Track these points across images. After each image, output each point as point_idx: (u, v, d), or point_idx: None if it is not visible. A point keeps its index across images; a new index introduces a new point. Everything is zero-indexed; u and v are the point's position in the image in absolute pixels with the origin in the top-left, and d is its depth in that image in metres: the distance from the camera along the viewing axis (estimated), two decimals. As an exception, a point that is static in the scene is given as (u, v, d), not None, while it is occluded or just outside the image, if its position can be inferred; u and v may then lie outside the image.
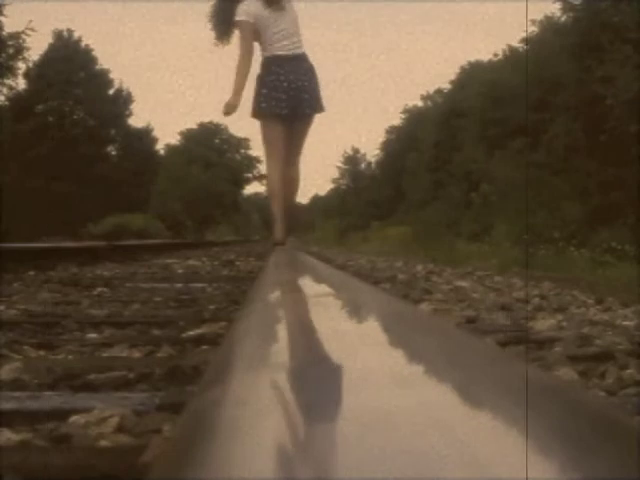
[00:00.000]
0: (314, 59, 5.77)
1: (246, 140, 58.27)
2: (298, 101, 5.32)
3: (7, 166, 27.91)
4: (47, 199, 33.70)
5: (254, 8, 5.27)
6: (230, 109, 5.47)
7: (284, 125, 5.38)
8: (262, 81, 5.40)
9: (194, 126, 59.06)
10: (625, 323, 2.93)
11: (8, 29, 26.61)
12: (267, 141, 5.51)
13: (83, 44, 41.63)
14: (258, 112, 5.46)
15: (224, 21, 5.50)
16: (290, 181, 5.60)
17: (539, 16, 21.62)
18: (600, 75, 13.63)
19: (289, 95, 5.27)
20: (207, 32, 5.56)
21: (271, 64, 5.35)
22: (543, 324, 2.75)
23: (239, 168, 58.47)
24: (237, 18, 5.31)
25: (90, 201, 35.00)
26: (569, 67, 16.23)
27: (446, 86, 34.73)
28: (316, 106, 5.47)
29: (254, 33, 5.33)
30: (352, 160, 56.88)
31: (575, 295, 4.37)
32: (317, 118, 5.65)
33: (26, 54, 27.81)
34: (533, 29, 22.31)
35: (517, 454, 0.44)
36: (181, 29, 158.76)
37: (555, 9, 17.96)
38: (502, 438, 0.47)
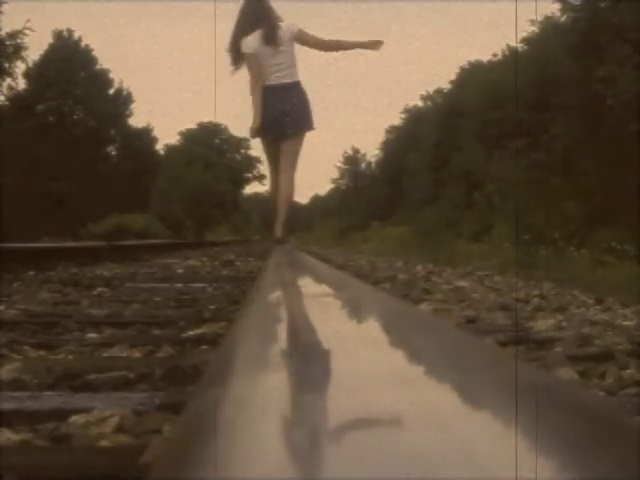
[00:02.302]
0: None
1: (246, 140, 58.21)
2: (280, 124, 6.06)
3: (7, 166, 27.89)
4: (47, 199, 33.69)
5: (255, 43, 6.06)
6: (254, 133, 6.31)
7: (271, 145, 6.25)
8: (256, 107, 6.22)
9: (194, 126, 59.06)
10: (625, 323, 2.92)
11: (7, 29, 26.61)
12: (265, 157, 6.47)
13: (83, 44, 41.66)
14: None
15: (237, 50, 6.26)
16: (285, 190, 6.29)
17: (539, 16, 21.58)
18: (600, 75, 13.62)
19: (271, 121, 6.04)
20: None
21: (265, 92, 6.11)
22: (543, 324, 2.75)
23: (239, 168, 58.37)
24: (243, 51, 6.12)
25: (90, 201, 34.99)
26: (569, 67, 16.23)
27: (446, 86, 34.72)
28: (302, 125, 6.20)
29: (258, 62, 6.16)
30: (352, 160, 56.87)
31: (575, 295, 4.37)
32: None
33: (24, 54, 27.77)
34: (533, 29, 22.31)
35: (517, 453, 0.44)
36: (181, 29, 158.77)
37: (555, 9, 17.95)
38: (501, 437, 0.47)
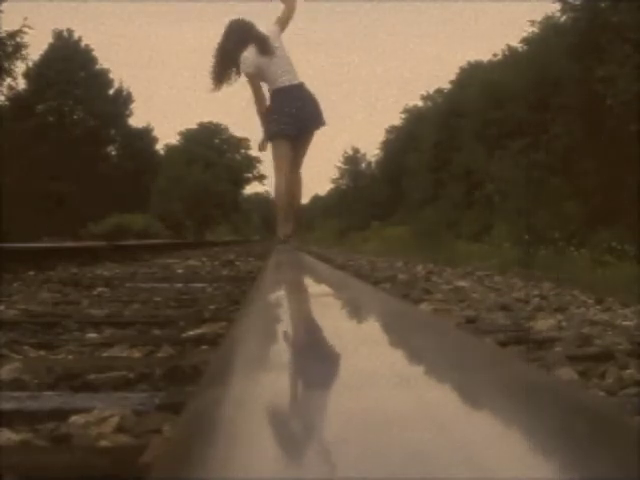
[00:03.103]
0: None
1: (246, 140, 58.22)
2: (302, 122, 6.30)
3: (7, 166, 27.87)
4: (47, 199, 33.69)
5: (253, 57, 6.31)
6: (263, 147, 6.66)
7: (291, 143, 6.36)
8: (272, 109, 6.39)
9: (194, 126, 59.07)
10: (625, 323, 2.92)
11: (6, 27, 26.60)
12: (277, 157, 6.46)
13: (83, 44, 41.66)
14: (270, 135, 6.43)
15: (223, 69, 6.50)
16: (295, 188, 6.53)
17: (539, 16, 21.57)
18: (600, 75, 13.62)
19: (295, 118, 6.26)
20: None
21: (277, 95, 6.36)
22: (543, 324, 2.74)
23: (239, 168, 58.41)
24: (243, 70, 6.35)
25: (90, 201, 34.99)
26: (569, 67, 16.23)
27: (446, 86, 34.69)
28: (317, 123, 6.46)
29: (260, 77, 6.40)
30: (352, 160, 56.83)
31: (575, 295, 4.37)
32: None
33: (24, 52, 27.76)
34: (533, 29, 22.30)
35: (518, 454, 0.44)
36: (181, 29, 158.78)
37: (555, 9, 17.95)
38: (501, 437, 0.47)
